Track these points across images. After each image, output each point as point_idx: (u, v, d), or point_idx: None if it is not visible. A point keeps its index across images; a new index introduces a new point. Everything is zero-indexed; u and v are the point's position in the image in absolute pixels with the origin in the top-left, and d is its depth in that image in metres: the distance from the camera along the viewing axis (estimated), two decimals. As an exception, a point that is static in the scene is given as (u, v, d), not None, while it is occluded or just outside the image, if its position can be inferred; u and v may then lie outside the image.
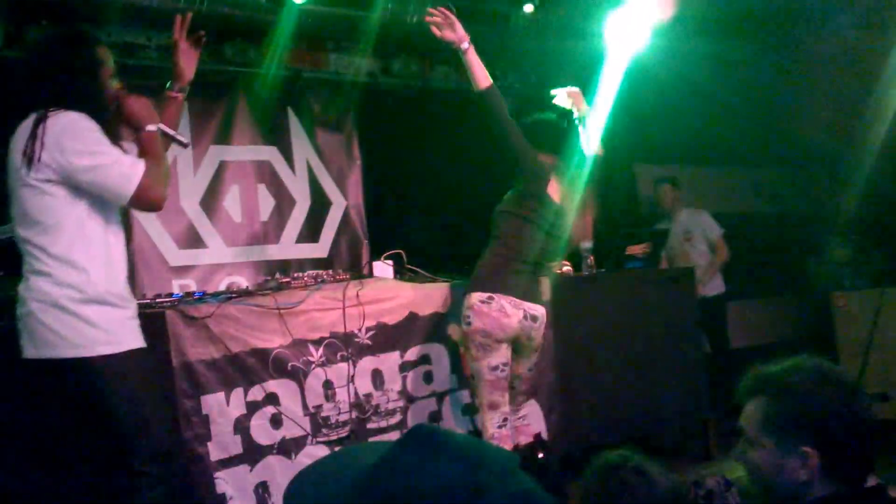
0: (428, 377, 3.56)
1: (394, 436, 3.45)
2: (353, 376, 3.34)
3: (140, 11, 4.28)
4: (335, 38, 4.97)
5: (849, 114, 5.75)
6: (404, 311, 3.51)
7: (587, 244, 4.06)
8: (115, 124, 2.41)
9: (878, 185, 5.88)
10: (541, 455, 3.16)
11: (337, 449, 2.98)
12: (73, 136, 2.24)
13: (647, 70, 5.61)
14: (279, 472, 3.09)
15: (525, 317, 3.09)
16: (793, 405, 1.43)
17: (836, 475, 1.42)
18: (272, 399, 3.15)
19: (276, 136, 4.87)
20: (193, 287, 4.23)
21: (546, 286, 3.48)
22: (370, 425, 3.39)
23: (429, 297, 3.60)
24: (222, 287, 4.30)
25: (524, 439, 3.24)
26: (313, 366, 3.27)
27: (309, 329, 3.28)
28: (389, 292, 3.53)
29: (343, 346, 3.33)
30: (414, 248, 4.18)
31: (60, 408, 2.38)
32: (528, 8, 4.91)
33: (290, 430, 3.16)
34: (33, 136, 2.23)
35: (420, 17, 4.71)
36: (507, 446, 3.06)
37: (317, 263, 4.73)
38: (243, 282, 4.40)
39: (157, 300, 3.10)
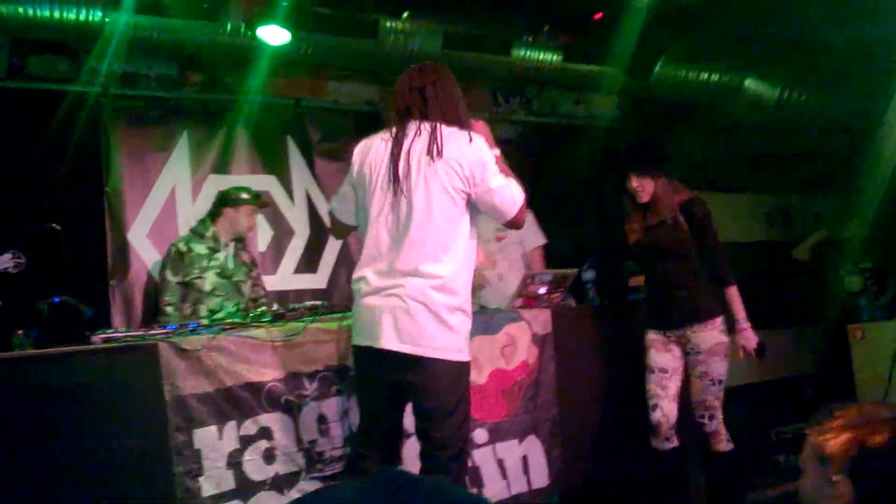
0: (426, 411, 3.48)
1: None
2: (347, 410, 3.26)
3: (141, 42, 4.31)
4: (336, 66, 4.97)
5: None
6: (401, 343, 3.43)
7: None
8: None
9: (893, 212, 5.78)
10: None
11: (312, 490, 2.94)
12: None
13: (656, 93, 5.60)
14: (271, 510, 3.00)
15: None
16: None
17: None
18: (265, 433, 3.07)
19: (275, 165, 4.85)
20: (189, 318, 4.19)
21: None
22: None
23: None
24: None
25: None
26: (307, 399, 3.20)
27: (303, 362, 3.20)
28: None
29: (338, 379, 3.25)
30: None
31: (391, 394, 2.66)
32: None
33: (283, 466, 3.07)
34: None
35: (421, 45, 4.72)
36: None
37: (315, 294, 4.68)
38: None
39: (151, 331, 3.05)
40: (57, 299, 3.06)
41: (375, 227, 2.62)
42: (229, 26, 4.31)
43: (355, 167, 2.76)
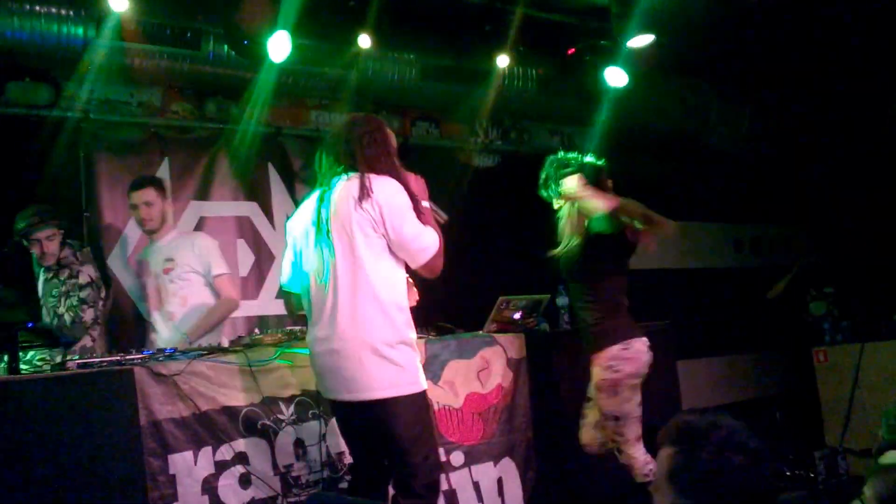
0: (402, 435, 3.51)
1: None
2: (324, 434, 3.29)
3: (122, 70, 4.35)
4: (316, 95, 5.05)
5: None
6: (377, 368, 3.48)
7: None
8: None
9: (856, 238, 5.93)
10: None
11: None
12: None
13: (632, 122, 5.73)
14: (246, 535, 3.02)
15: (650, 348, 3.45)
16: (696, 465, 1.46)
17: None
18: (241, 458, 3.09)
19: (256, 191, 4.91)
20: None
21: None
22: (342, 485, 3.32)
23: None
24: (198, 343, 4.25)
25: None
26: (284, 424, 3.22)
27: (280, 387, 3.24)
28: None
29: (314, 403, 3.28)
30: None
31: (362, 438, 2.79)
32: (503, 61, 4.98)
33: (259, 491, 3.09)
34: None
35: (400, 76, 4.82)
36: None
37: (297, 319, 4.70)
38: (220, 338, 4.35)
39: (127, 357, 3.07)
40: (31, 324, 3.07)
41: (312, 281, 2.71)
42: (211, 55, 4.39)
43: (293, 232, 2.84)
